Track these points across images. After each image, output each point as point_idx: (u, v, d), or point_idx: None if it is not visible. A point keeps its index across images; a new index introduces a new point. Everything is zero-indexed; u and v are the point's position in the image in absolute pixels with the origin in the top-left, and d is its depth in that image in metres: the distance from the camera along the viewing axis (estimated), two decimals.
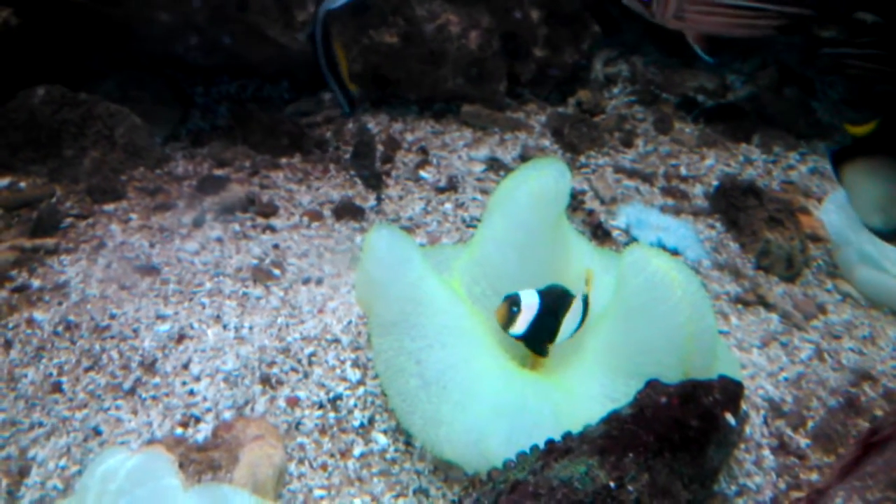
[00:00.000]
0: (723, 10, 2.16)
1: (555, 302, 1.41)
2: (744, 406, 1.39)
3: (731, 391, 1.30)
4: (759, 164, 2.51)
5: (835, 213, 2.10)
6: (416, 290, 1.39)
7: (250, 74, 2.71)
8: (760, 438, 1.52)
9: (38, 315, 1.70)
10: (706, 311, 1.33)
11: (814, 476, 1.44)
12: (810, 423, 1.56)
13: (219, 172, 2.28)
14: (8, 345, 1.63)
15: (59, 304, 1.73)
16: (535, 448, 1.21)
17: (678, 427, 1.21)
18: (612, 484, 1.12)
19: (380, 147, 2.43)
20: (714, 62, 2.25)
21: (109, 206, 2.09)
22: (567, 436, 1.22)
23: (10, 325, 1.67)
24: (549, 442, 1.21)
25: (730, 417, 1.26)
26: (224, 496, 1.17)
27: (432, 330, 1.38)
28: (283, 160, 2.37)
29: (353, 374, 1.57)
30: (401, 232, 1.45)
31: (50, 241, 1.93)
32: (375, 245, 1.43)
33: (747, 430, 1.51)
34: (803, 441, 1.53)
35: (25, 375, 1.56)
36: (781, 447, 1.50)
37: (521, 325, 1.39)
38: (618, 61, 2.95)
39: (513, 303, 1.39)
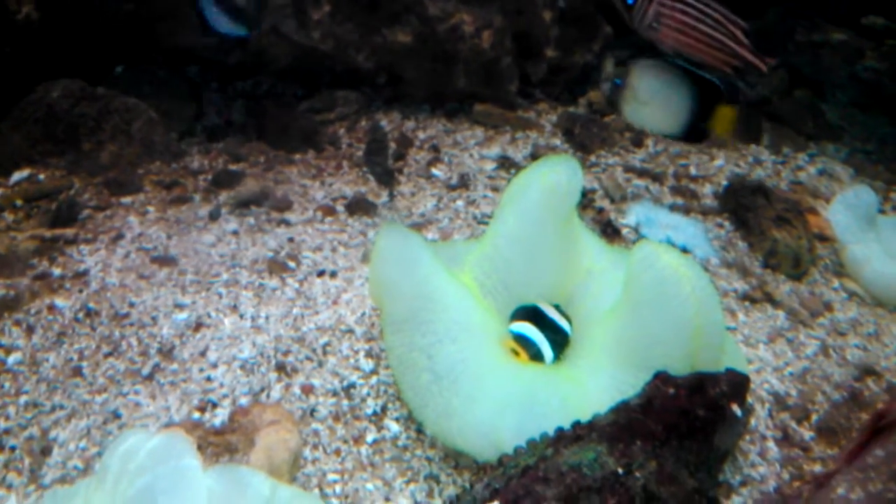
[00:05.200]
0: (692, 33, 2.24)
1: (542, 319, 1.49)
2: (749, 399, 1.41)
3: (737, 383, 1.32)
4: (769, 164, 2.53)
5: (842, 213, 2.13)
6: (426, 288, 1.42)
7: (265, 71, 2.74)
8: (765, 430, 1.55)
9: (59, 302, 1.74)
10: (714, 307, 1.35)
11: (817, 468, 1.46)
12: (814, 417, 1.58)
13: (234, 167, 2.32)
14: (30, 330, 1.67)
15: (80, 291, 1.77)
16: (544, 435, 1.24)
17: (685, 417, 1.23)
18: (620, 470, 1.14)
19: (392, 145, 2.46)
20: (678, 62, 2.35)
21: (127, 199, 2.13)
22: (576, 424, 1.24)
23: (33, 310, 1.71)
24: (559, 430, 1.23)
25: (736, 408, 1.28)
26: (242, 476, 1.20)
27: (442, 326, 1.40)
28: (297, 156, 2.40)
29: (367, 364, 1.60)
30: (409, 231, 1.47)
31: (69, 232, 1.97)
32: (384, 245, 1.46)
33: (752, 422, 1.53)
34: (807, 434, 1.55)
35: (47, 360, 1.60)
36: (786, 439, 1.53)
37: (548, 354, 1.47)
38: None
39: (529, 346, 1.45)
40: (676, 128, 1.99)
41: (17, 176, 2.20)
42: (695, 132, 2.00)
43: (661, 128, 2.04)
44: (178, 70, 2.60)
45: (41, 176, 2.20)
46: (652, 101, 1.98)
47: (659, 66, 2.01)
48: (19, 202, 2.10)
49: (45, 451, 1.42)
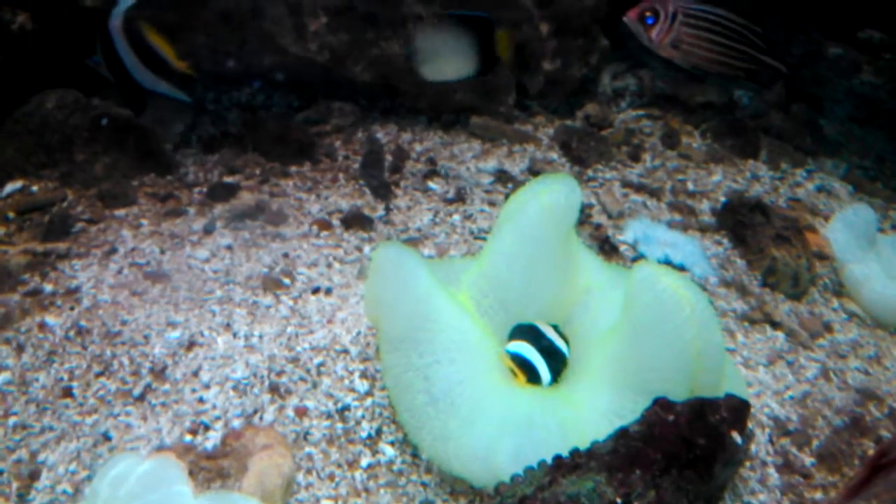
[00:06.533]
0: (714, 47, 2.24)
1: (540, 339, 1.48)
2: (750, 424, 1.40)
3: (737, 410, 1.30)
4: (766, 180, 2.52)
5: (841, 231, 2.11)
6: (423, 307, 1.40)
7: (261, 82, 2.73)
8: (765, 457, 1.53)
9: (51, 319, 1.71)
10: (714, 330, 1.34)
11: (818, 495, 1.44)
12: (815, 442, 1.57)
13: (229, 180, 2.30)
14: (20, 349, 1.64)
15: (71, 309, 1.75)
16: (542, 463, 1.22)
17: (685, 445, 1.22)
18: (619, 500, 1.13)
19: (388, 157, 2.45)
20: (700, 74, 2.34)
21: (120, 212, 2.11)
22: (575, 452, 1.22)
23: (23, 328, 1.69)
24: (557, 458, 1.22)
25: (736, 436, 1.26)
26: None
27: (440, 346, 1.38)
28: (293, 168, 2.38)
29: (362, 386, 1.58)
30: (406, 248, 1.46)
31: (62, 246, 1.95)
32: (381, 263, 1.44)
33: (752, 448, 1.52)
34: (808, 460, 1.54)
35: (37, 380, 1.57)
36: (786, 466, 1.51)
37: (545, 376, 1.45)
38: (626, 75, 2.97)
39: (525, 367, 1.44)
40: (472, 67, 2.11)
41: (10, 188, 2.17)
42: (488, 64, 2.11)
43: (460, 73, 2.14)
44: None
45: (34, 188, 2.18)
46: (441, 53, 2.11)
47: (433, 22, 2.16)
48: (11, 215, 2.08)
49: (34, 475, 1.39)
